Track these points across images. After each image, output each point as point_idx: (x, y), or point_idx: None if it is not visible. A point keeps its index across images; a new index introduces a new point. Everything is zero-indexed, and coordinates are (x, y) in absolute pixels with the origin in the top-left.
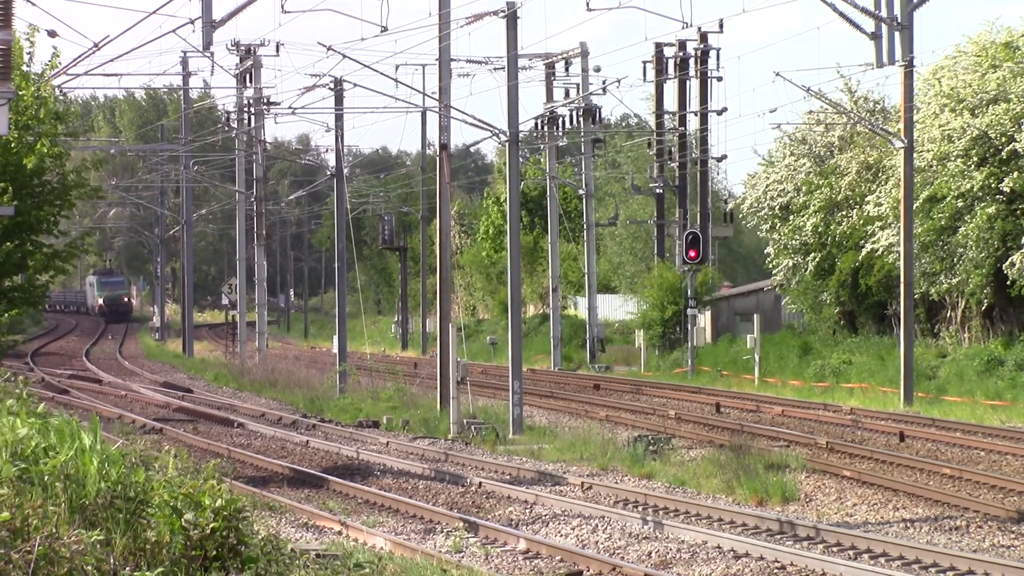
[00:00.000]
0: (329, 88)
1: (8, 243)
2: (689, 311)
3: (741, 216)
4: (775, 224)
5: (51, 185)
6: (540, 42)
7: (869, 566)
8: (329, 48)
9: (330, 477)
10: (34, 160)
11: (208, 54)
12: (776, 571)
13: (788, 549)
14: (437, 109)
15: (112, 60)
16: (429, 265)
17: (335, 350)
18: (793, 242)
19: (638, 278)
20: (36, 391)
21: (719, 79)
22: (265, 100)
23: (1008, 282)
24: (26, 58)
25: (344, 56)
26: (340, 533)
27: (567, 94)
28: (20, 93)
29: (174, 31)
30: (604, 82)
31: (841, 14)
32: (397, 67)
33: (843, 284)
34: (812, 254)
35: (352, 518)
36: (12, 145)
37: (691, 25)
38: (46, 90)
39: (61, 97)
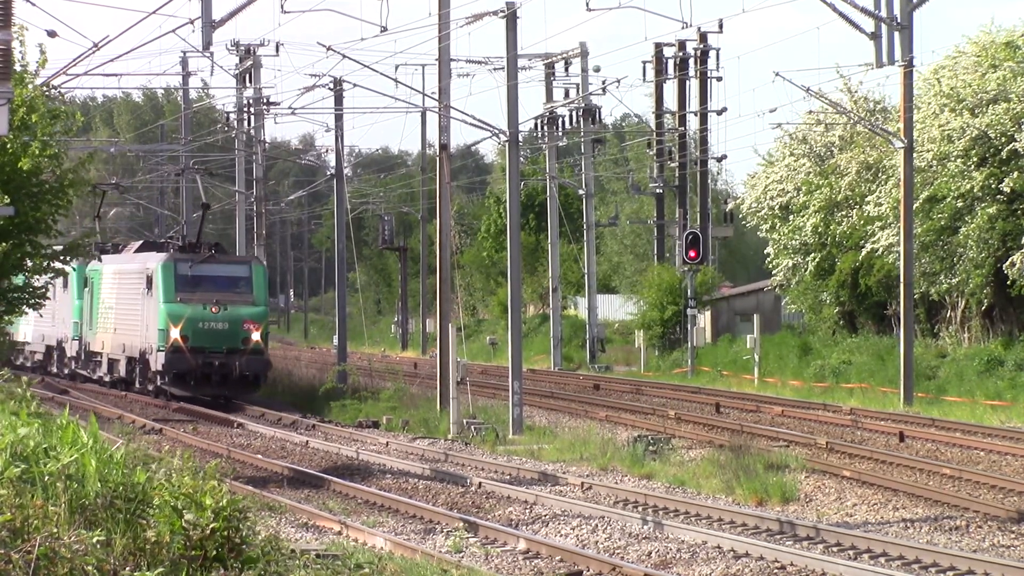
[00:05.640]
0: (329, 88)
1: (5, 243)
2: (689, 311)
3: (741, 216)
4: (775, 224)
5: (48, 184)
6: (540, 42)
7: (869, 566)
8: (329, 48)
9: (330, 477)
10: (28, 161)
11: (208, 54)
12: (776, 571)
13: (788, 549)
14: (437, 109)
15: (112, 60)
16: (429, 265)
17: (335, 350)
18: (793, 242)
19: (638, 278)
20: (36, 391)
21: (719, 79)
22: (265, 100)
23: (1008, 282)
24: (18, 57)
25: (344, 56)
26: (340, 533)
27: (567, 94)
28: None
29: (174, 31)
30: (604, 82)
31: (841, 14)
32: (397, 67)
33: (843, 284)
34: (812, 254)
35: (352, 518)
36: (8, 146)
37: (691, 25)
38: (36, 90)
39: (58, 95)
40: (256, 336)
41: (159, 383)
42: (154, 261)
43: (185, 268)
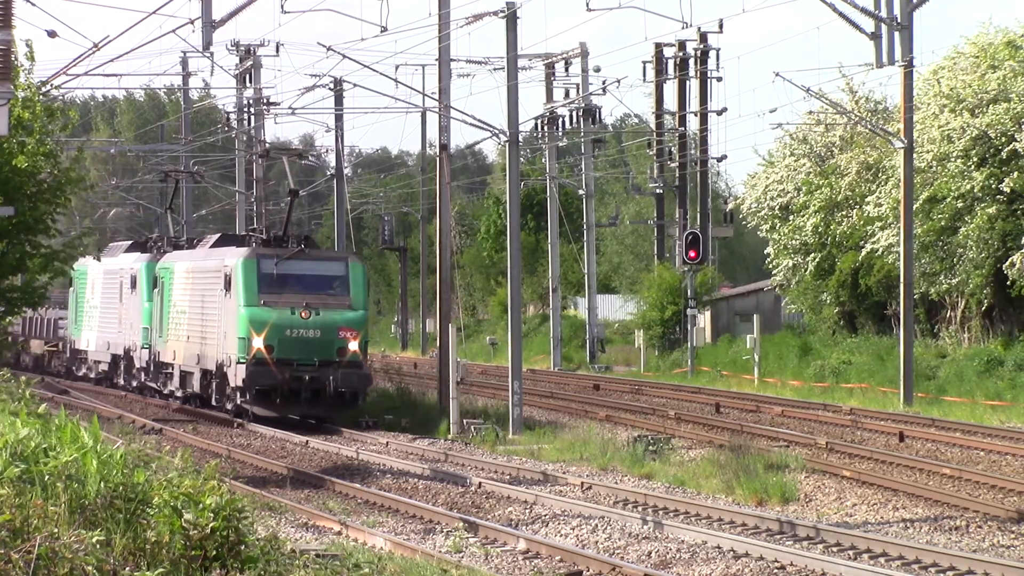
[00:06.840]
0: (329, 88)
1: (2, 243)
2: (689, 311)
3: (741, 216)
4: (775, 224)
5: (46, 184)
6: (540, 42)
7: (869, 566)
8: (329, 48)
9: (330, 477)
10: (24, 160)
11: (208, 54)
12: (776, 571)
13: (788, 549)
14: (437, 109)
15: (112, 60)
16: (429, 265)
17: None
18: (793, 242)
19: (638, 278)
20: (36, 391)
21: (719, 79)
22: (265, 100)
23: (1008, 282)
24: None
25: (344, 56)
26: (340, 533)
27: (567, 94)
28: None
29: (174, 31)
30: (604, 82)
31: (841, 14)
32: (397, 67)
33: (843, 284)
34: (812, 254)
35: (352, 518)
36: (5, 146)
37: (691, 25)
38: (31, 91)
39: (59, 95)
40: (354, 346)
41: (239, 401)
42: (233, 257)
43: (270, 265)
